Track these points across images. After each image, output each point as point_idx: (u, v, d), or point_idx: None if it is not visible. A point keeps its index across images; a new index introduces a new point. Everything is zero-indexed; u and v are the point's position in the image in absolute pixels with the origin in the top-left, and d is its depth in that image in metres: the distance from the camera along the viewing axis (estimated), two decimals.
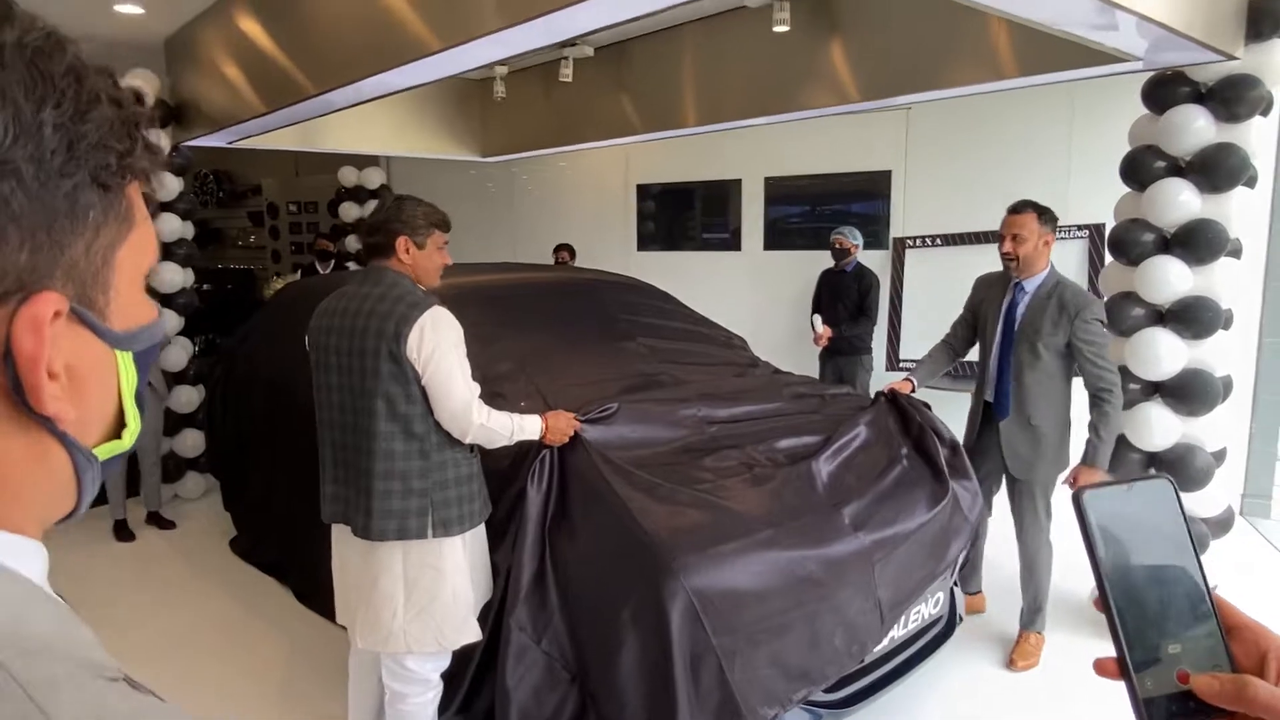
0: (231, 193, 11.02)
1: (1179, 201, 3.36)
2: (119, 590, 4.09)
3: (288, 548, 3.83)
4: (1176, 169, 3.44)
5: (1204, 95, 3.35)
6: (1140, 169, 3.52)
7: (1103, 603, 0.55)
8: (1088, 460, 3.08)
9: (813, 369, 5.33)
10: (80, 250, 0.44)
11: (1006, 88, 3.93)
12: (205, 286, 6.27)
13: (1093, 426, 3.05)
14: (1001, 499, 3.38)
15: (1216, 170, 3.29)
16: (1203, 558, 0.57)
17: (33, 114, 0.40)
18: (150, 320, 0.51)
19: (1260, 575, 4.11)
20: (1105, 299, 3.73)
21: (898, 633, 2.70)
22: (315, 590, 3.42)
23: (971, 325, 3.42)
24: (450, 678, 2.51)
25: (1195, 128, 3.32)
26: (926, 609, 2.83)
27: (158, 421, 4.93)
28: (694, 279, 6.94)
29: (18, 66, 0.40)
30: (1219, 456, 3.60)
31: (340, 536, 2.44)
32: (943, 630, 3.00)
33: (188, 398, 5.35)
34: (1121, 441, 3.63)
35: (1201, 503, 3.59)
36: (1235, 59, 3.20)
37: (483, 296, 3.67)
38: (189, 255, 5.37)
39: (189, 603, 3.96)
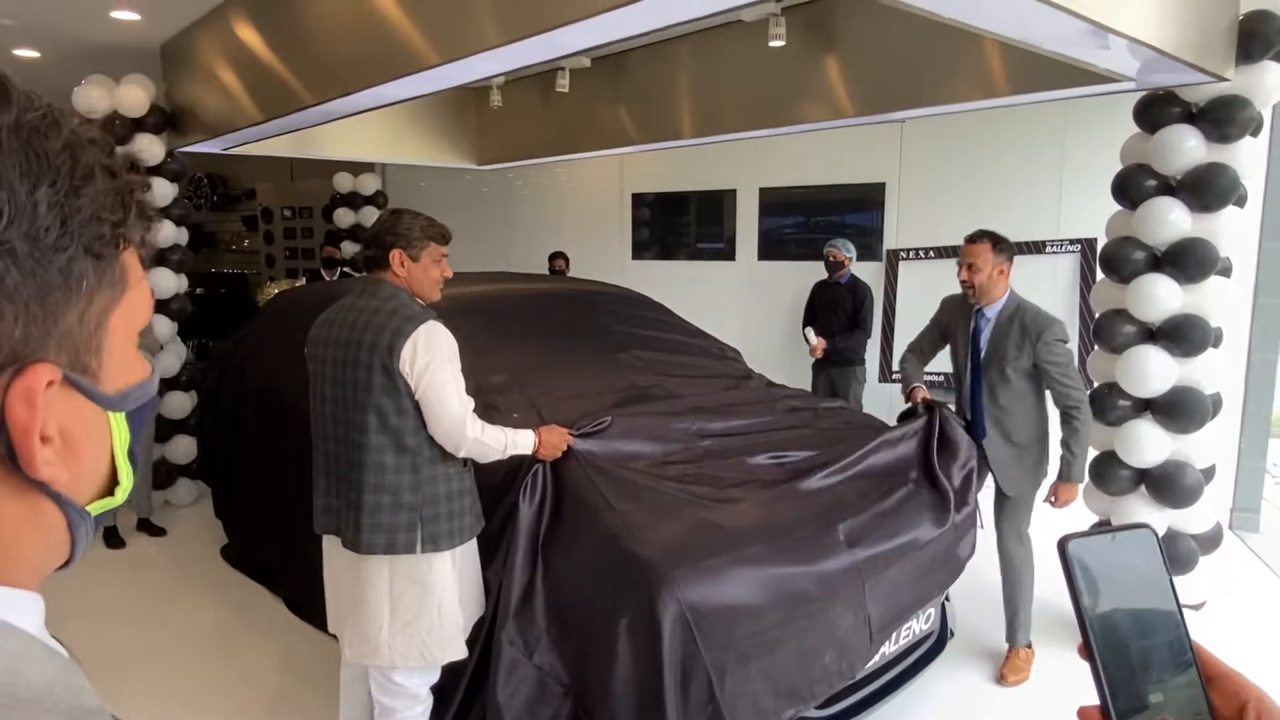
0: (225, 196, 11.01)
1: (1170, 220, 3.39)
2: (109, 597, 4.07)
3: (279, 557, 3.82)
4: (1167, 188, 3.47)
5: (1195, 115, 3.39)
6: (1131, 187, 3.55)
7: (1087, 651, 0.56)
8: (1064, 476, 3.10)
9: (806, 380, 5.34)
10: (74, 319, 0.46)
11: (999, 105, 3.96)
12: (198, 290, 6.24)
13: (1065, 443, 3.07)
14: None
15: (1207, 190, 3.32)
16: (1183, 605, 0.58)
17: (27, 194, 0.42)
18: (141, 379, 0.53)
19: (1249, 589, 4.14)
20: (1096, 316, 3.76)
21: (889, 648, 2.71)
22: (307, 600, 3.42)
23: (937, 339, 3.44)
24: (441, 692, 2.51)
25: (1186, 147, 3.35)
26: (918, 625, 2.85)
27: (149, 427, 4.91)
28: (688, 288, 6.96)
29: (14, 147, 0.42)
30: (1208, 474, 3.63)
31: (331, 547, 2.45)
32: (934, 646, 3.01)
33: (180, 403, 5.33)
34: (1111, 458, 3.66)
35: (1190, 519, 3.62)
36: (1226, 80, 3.23)
37: (477, 307, 3.67)
38: (182, 261, 5.36)
39: (179, 611, 3.95)
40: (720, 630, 2.18)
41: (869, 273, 5.88)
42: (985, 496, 3.28)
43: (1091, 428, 3.11)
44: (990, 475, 3.24)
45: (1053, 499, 3.16)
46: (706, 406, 3.16)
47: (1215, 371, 3.52)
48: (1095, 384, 3.81)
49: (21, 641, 0.43)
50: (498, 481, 2.57)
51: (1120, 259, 3.56)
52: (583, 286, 4.50)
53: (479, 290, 3.98)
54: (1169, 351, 3.45)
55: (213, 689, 3.25)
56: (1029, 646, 3.35)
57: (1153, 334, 3.52)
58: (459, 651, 2.38)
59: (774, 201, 6.77)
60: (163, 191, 5.18)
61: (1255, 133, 3.37)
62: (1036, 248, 5.56)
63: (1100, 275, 3.78)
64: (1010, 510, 3.21)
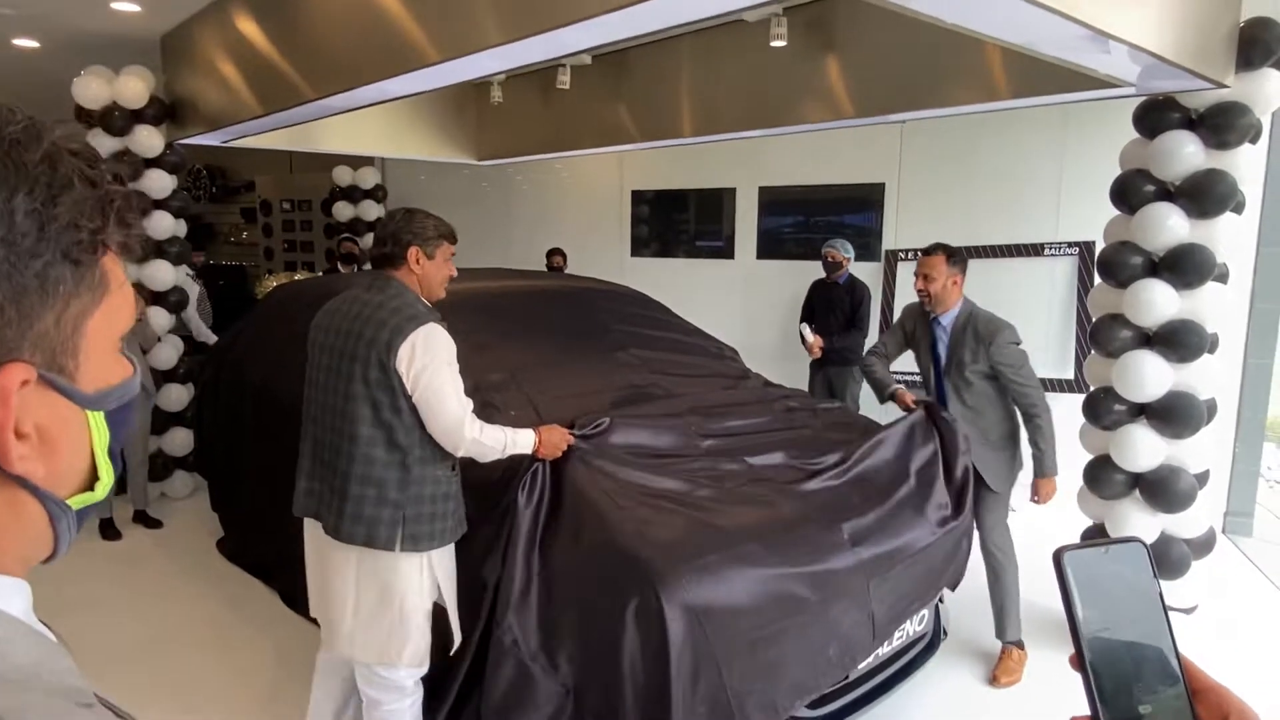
0: (225, 188, 10.99)
1: (1168, 226, 3.40)
2: (105, 589, 4.07)
3: (275, 550, 3.82)
4: (1166, 193, 3.48)
5: (1194, 121, 3.39)
6: (1130, 192, 3.56)
7: (1079, 662, 0.57)
8: (1040, 472, 3.23)
9: (803, 380, 5.35)
10: (50, 322, 0.48)
11: (999, 109, 3.97)
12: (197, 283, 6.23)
13: (1032, 441, 3.23)
14: None
15: (1205, 196, 3.33)
16: (1172, 618, 0.59)
17: (4, 202, 0.44)
18: (121, 380, 0.55)
19: (1241, 594, 4.16)
20: (1094, 320, 3.77)
21: (883, 649, 2.72)
22: (302, 594, 3.40)
23: (902, 342, 3.56)
24: (435, 688, 2.51)
25: (1185, 153, 3.36)
26: (911, 626, 2.86)
27: (146, 420, 4.91)
28: (687, 286, 6.97)
29: None
30: (1202, 479, 3.64)
31: (310, 530, 2.49)
32: (927, 647, 3.03)
33: (177, 396, 5.33)
34: (1106, 463, 3.67)
35: (1183, 524, 3.63)
36: (1226, 87, 3.24)
37: (474, 304, 3.67)
38: (181, 253, 5.35)
39: (175, 603, 3.95)
40: (726, 624, 2.19)
41: (867, 273, 5.89)
42: None
43: (1053, 421, 3.23)
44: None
45: (1035, 497, 3.27)
46: (705, 406, 3.16)
47: (1211, 377, 3.54)
48: (1091, 387, 3.83)
49: (7, 625, 0.45)
50: (496, 479, 2.57)
51: (1118, 264, 3.57)
52: (581, 284, 4.51)
53: (476, 287, 3.98)
54: (1165, 357, 3.46)
55: (207, 682, 3.26)
56: (1021, 647, 3.37)
57: (1149, 339, 3.53)
58: (419, 657, 2.36)
59: (773, 200, 6.78)
60: (161, 183, 5.17)
61: (1254, 140, 3.38)
62: (1035, 250, 5.57)
63: (1098, 280, 3.80)
64: (991, 504, 3.30)
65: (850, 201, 6.42)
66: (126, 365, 0.55)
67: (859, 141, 6.05)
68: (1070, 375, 5.51)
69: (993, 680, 3.31)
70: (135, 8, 4.57)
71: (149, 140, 5.06)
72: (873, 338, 5.72)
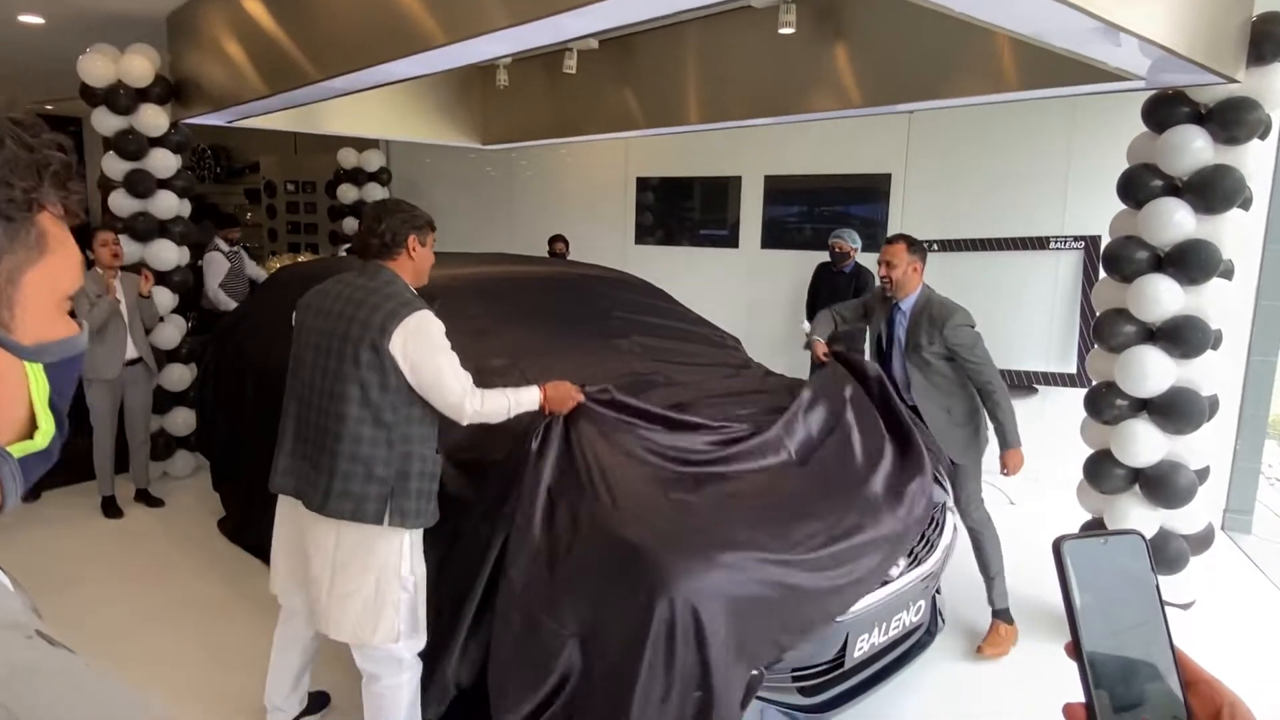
0: (229, 169, 10.97)
1: (1174, 221, 3.38)
2: (106, 567, 4.10)
3: None
4: (1173, 188, 3.46)
5: (1203, 116, 3.37)
6: (1137, 187, 3.54)
7: (1075, 650, 0.57)
8: (1004, 444, 3.32)
9: (804, 369, 5.35)
10: None
11: (1008, 100, 3.95)
12: (200, 263, 6.22)
13: (991, 416, 3.35)
14: None
15: (1212, 191, 3.31)
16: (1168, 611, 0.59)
17: None
18: (65, 336, 0.56)
19: (1238, 590, 4.17)
20: (1097, 314, 3.76)
21: (879, 639, 2.73)
22: None
23: (861, 315, 3.77)
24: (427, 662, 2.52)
25: (1193, 148, 3.34)
26: (908, 616, 2.86)
27: (148, 399, 4.92)
28: (690, 274, 6.96)
29: None
30: (1202, 475, 3.64)
31: (285, 508, 2.53)
32: (923, 637, 3.04)
33: (180, 375, 5.34)
34: (1106, 457, 3.67)
35: (1182, 520, 3.63)
36: (1236, 81, 3.21)
37: (476, 288, 3.67)
38: (185, 233, 5.34)
39: (175, 581, 3.98)
40: (719, 591, 2.21)
41: (872, 263, 5.87)
42: None
43: (1009, 396, 3.33)
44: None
45: (1004, 470, 3.35)
46: (705, 394, 3.17)
47: (1213, 373, 3.53)
48: (1093, 382, 3.82)
49: None
50: (500, 459, 2.62)
51: (1123, 258, 3.55)
52: (584, 270, 4.50)
53: (478, 271, 3.98)
54: (1168, 352, 3.45)
55: (207, 660, 3.28)
56: (1010, 622, 3.45)
57: (1152, 334, 3.52)
58: (389, 637, 2.37)
59: (779, 190, 6.75)
60: (166, 163, 5.16)
61: (1263, 135, 3.36)
62: (1040, 243, 5.55)
63: (1102, 274, 3.78)
64: (962, 479, 3.39)
65: (856, 192, 6.40)
66: (71, 324, 0.57)
67: (866, 131, 6.02)
68: (1073, 369, 5.50)
69: (978, 651, 3.39)
70: None
71: (154, 119, 5.05)
72: None
